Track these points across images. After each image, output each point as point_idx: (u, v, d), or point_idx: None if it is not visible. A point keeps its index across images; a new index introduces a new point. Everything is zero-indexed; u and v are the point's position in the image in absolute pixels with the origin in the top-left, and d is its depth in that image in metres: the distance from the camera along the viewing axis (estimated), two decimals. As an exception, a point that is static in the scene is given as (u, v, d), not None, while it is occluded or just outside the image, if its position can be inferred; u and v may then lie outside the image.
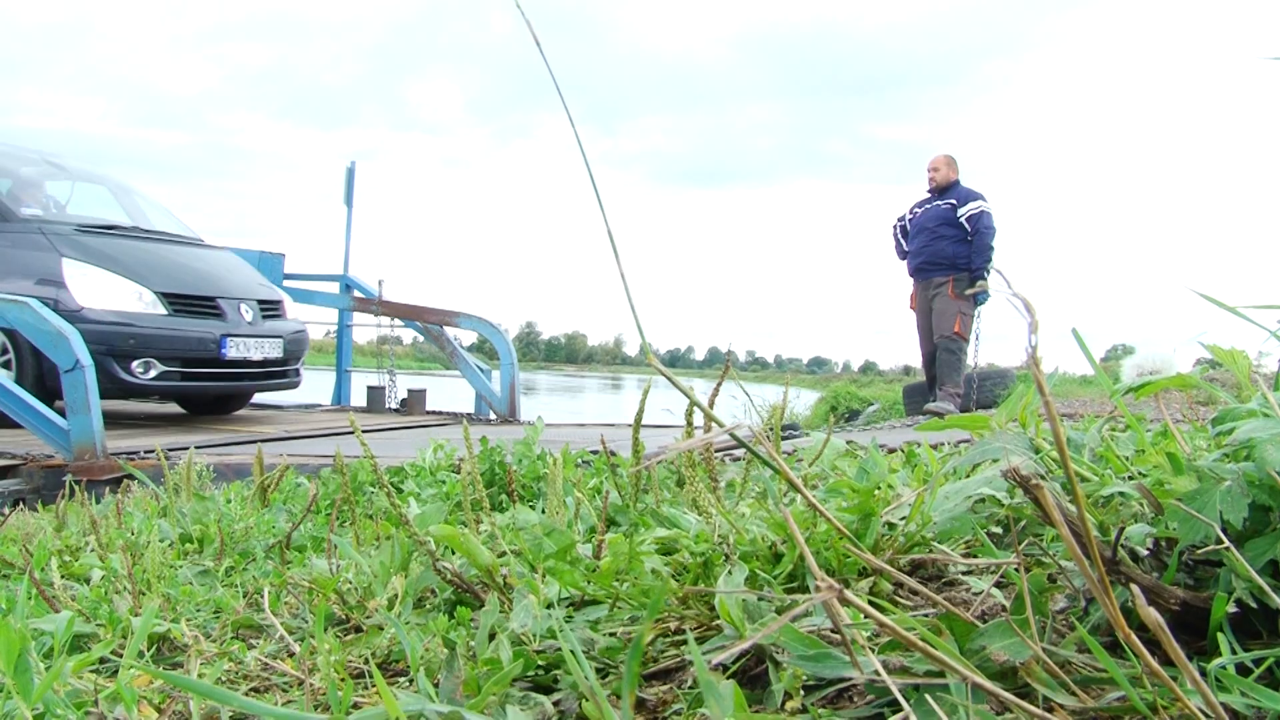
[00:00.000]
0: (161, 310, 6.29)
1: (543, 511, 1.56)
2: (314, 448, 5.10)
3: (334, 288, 9.47)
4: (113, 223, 7.05)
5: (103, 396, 5.84)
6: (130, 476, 4.49)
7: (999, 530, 1.07)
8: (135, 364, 6.08)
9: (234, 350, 6.62)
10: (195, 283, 6.65)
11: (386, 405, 9.24)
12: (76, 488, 2.84)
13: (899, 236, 7.61)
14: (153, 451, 4.80)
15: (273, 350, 7.00)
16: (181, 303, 6.41)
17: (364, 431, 6.50)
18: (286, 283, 9.21)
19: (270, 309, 7.27)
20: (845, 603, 0.58)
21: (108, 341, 5.93)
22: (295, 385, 7.66)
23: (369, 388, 9.51)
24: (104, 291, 6.12)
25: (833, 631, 0.80)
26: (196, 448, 5.02)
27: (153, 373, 6.16)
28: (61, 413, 5.19)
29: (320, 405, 9.64)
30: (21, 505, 4.46)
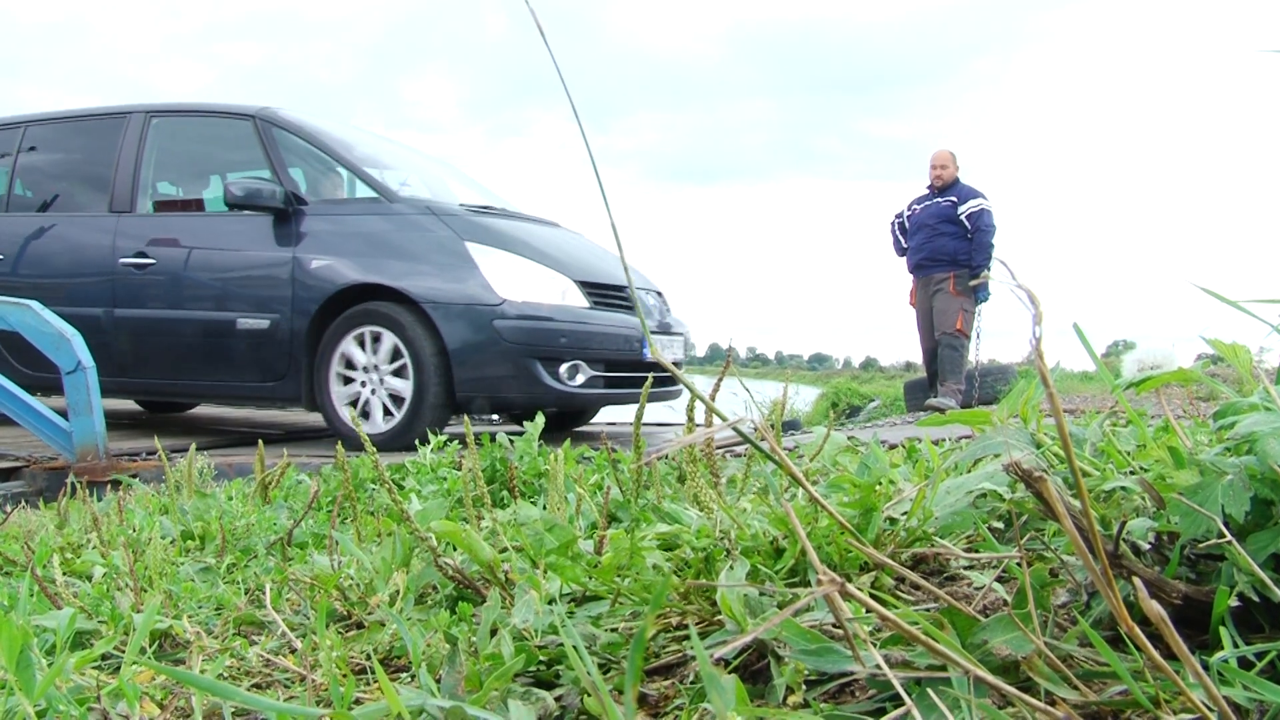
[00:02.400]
0: (583, 303, 5.13)
1: (544, 507, 1.56)
2: (316, 448, 5.10)
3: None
4: (486, 203, 5.81)
5: (522, 407, 5.09)
6: (133, 477, 4.50)
7: (1000, 525, 1.07)
8: (563, 367, 4.92)
9: (651, 350, 5.56)
10: (601, 270, 5.49)
11: None
12: (79, 487, 2.84)
13: (898, 233, 7.60)
14: (155, 453, 4.81)
15: (677, 351, 5.80)
16: (599, 294, 5.26)
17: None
18: None
19: (665, 301, 6.08)
20: (847, 597, 0.58)
21: (533, 340, 4.83)
22: (678, 395, 6.28)
23: None
24: (524, 282, 4.95)
25: (834, 626, 0.80)
26: (198, 449, 5.04)
27: (580, 378, 4.98)
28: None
29: None
30: (24, 504, 4.47)
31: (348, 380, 5.01)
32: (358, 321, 4.97)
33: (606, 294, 5.30)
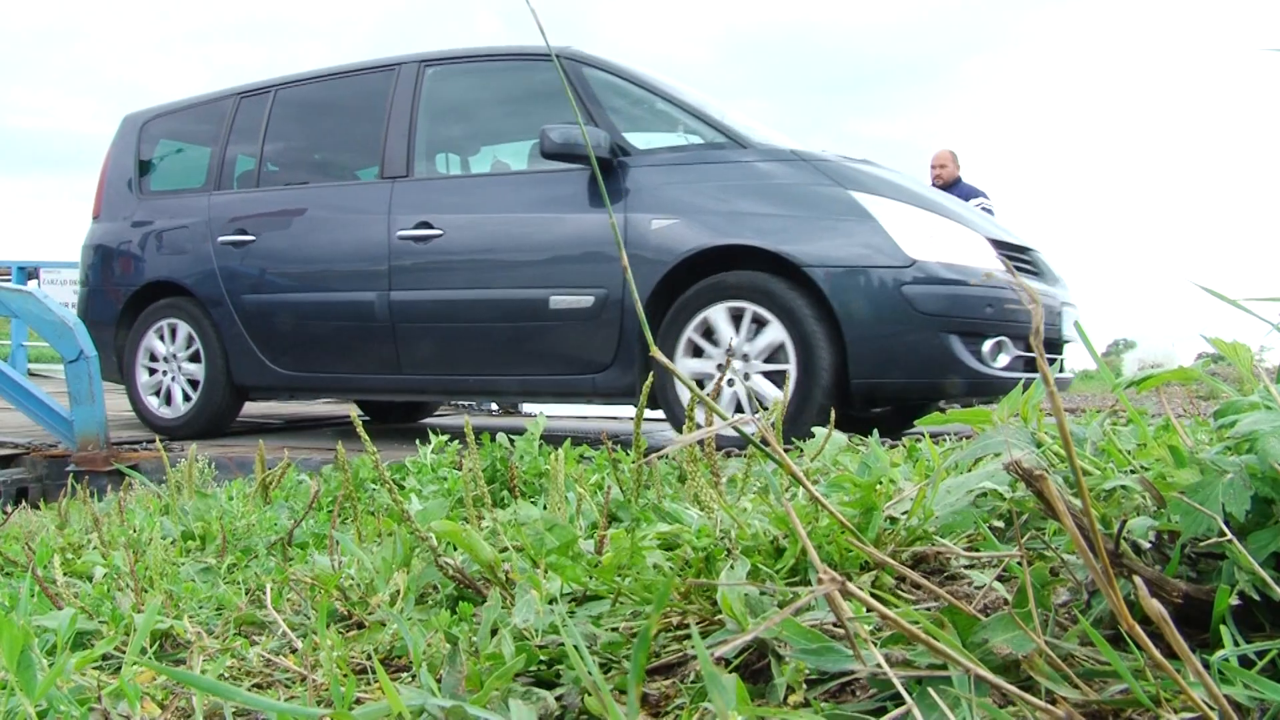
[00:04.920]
0: (997, 265, 3.97)
1: (544, 507, 1.56)
2: (316, 440, 5.10)
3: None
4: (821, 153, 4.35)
5: (928, 396, 4.01)
6: (134, 467, 4.50)
7: (1001, 524, 1.07)
8: (987, 345, 3.77)
9: (1065, 326, 4.20)
10: (989, 226, 4.27)
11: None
12: (79, 486, 2.84)
13: None
14: (154, 442, 4.81)
15: (1069, 326, 4.34)
16: (1004, 254, 4.08)
17: (369, 422, 6.41)
18: None
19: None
20: (848, 596, 0.58)
21: (953, 311, 3.71)
22: (1068, 385, 5.15)
23: None
24: (933, 239, 3.80)
25: (835, 625, 0.80)
26: (198, 440, 5.05)
27: (1004, 358, 3.82)
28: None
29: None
30: (24, 501, 4.48)
31: (697, 370, 3.95)
32: (714, 295, 3.89)
33: (1010, 254, 4.14)
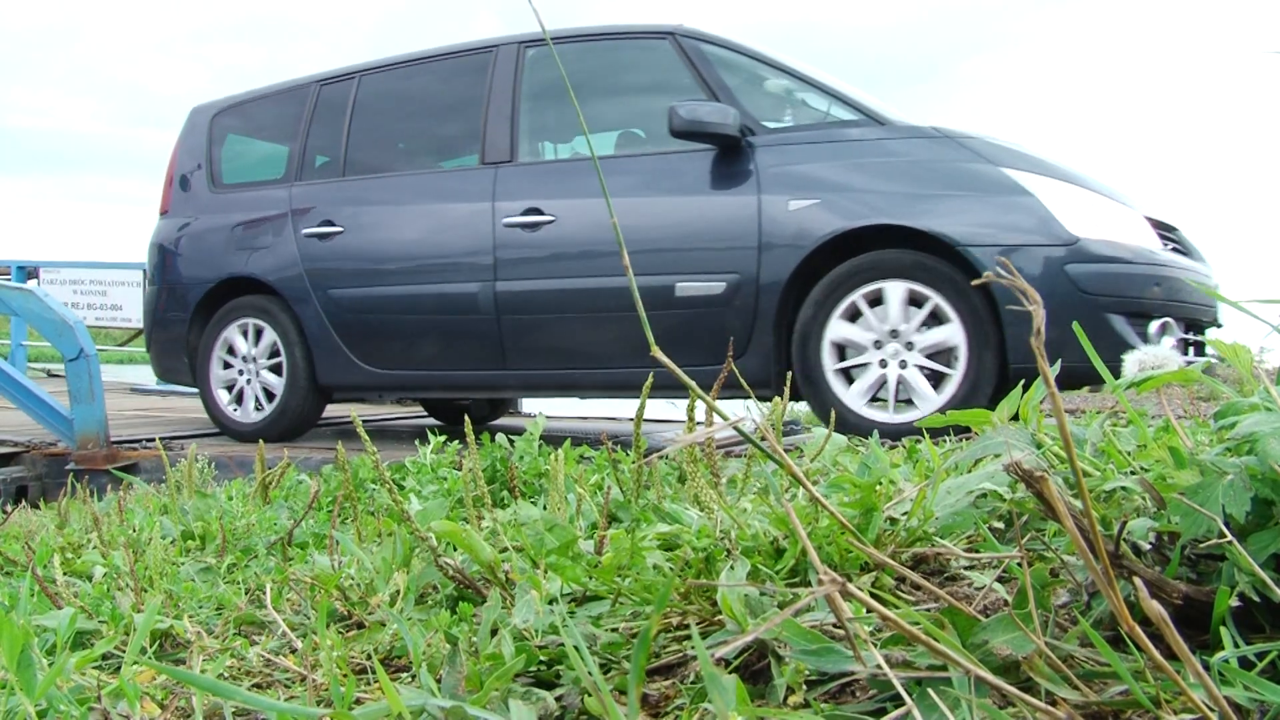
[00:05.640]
0: (1156, 244, 3.76)
1: (544, 507, 1.56)
2: (314, 439, 5.10)
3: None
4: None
5: (1088, 380, 3.79)
6: (134, 466, 4.50)
7: (1001, 525, 1.07)
8: (1153, 326, 3.61)
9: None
10: (1142, 203, 4.06)
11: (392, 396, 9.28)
12: (79, 485, 2.84)
13: None
14: (154, 440, 4.81)
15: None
16: (1164, 233, 3.88)
17: (365, 421, 6.38)
18: None
19: None
20: (848, 597, 0.58)
21: (1119, 290, 3.54)
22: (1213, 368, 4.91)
23: None
24: (1094, 216, 3.63)
25: (835, 626, 0.80)
26: (198, 436, 5.05)
27: (1169, 340, 3.66)
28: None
29: None
30: (23, 500, 4.48)
31: (843, 357, 3.76)
32: (858, 278, 3.69)
33: (1166, 234, 3.92)
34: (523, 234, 4.27)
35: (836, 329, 3.73)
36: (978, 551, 1.02)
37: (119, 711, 0.89)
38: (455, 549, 1.22)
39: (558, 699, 0.82)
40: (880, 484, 1.20)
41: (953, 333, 3.57)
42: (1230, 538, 0.71)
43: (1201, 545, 0.74)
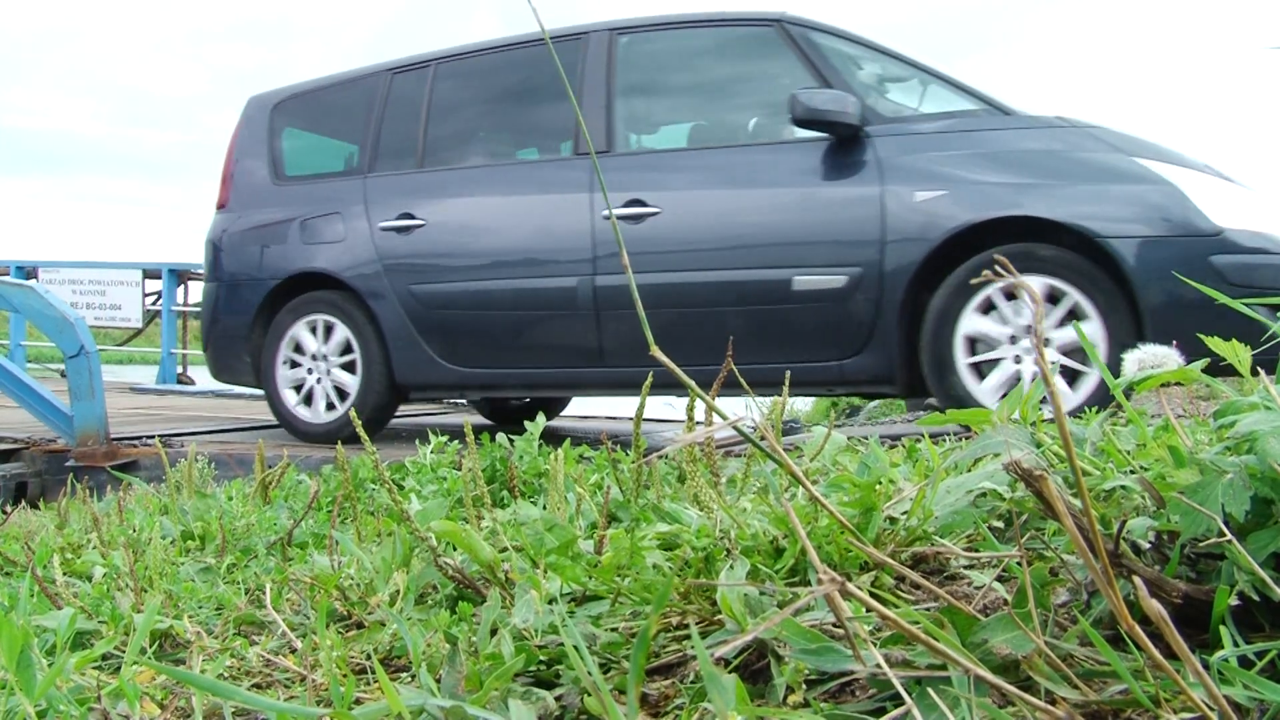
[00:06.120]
0: None
1: (544, 507, 1.56)
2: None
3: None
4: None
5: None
6: (133, 463, 4.50)
7: (1000, 524, 1.07)
8: None
9: None
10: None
11: None
12: (79, 485, 2.84)
13: None
14: (154, 438, 4.81)
15: None
16: None
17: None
18: None
19: None
20: (847, 596, 0.58)
21: (1264, 281, 3.47)
22: None
23: None
24: (1235, 206, 3.53)
25: (835, 625, 0.80)
26: (197, 434, 5.05)
27: None
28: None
29: None
30: (23, 497, 4.47)
31: (974, 351, 3.61)
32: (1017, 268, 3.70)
33: None
34: (625, 226, 4.10)
35: (970, 322, 3.61)
36: (977, 551, 1.02)
37: (119, 712, 0.89)
38: (455, 549, 1.22)
39: (557, 699, 0.82)
40: (880, 483, 1.20)
41: (1091, 330, 3.43)
42: (1230, 537, 0.71)
43: (1201, 544, 0.74)
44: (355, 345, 4.62)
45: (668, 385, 4.20)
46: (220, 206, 5.20)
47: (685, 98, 4.66)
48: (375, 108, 4.88)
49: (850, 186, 3.83)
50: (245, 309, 4.90)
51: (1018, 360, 3.55)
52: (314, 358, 4.75)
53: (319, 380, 4.74)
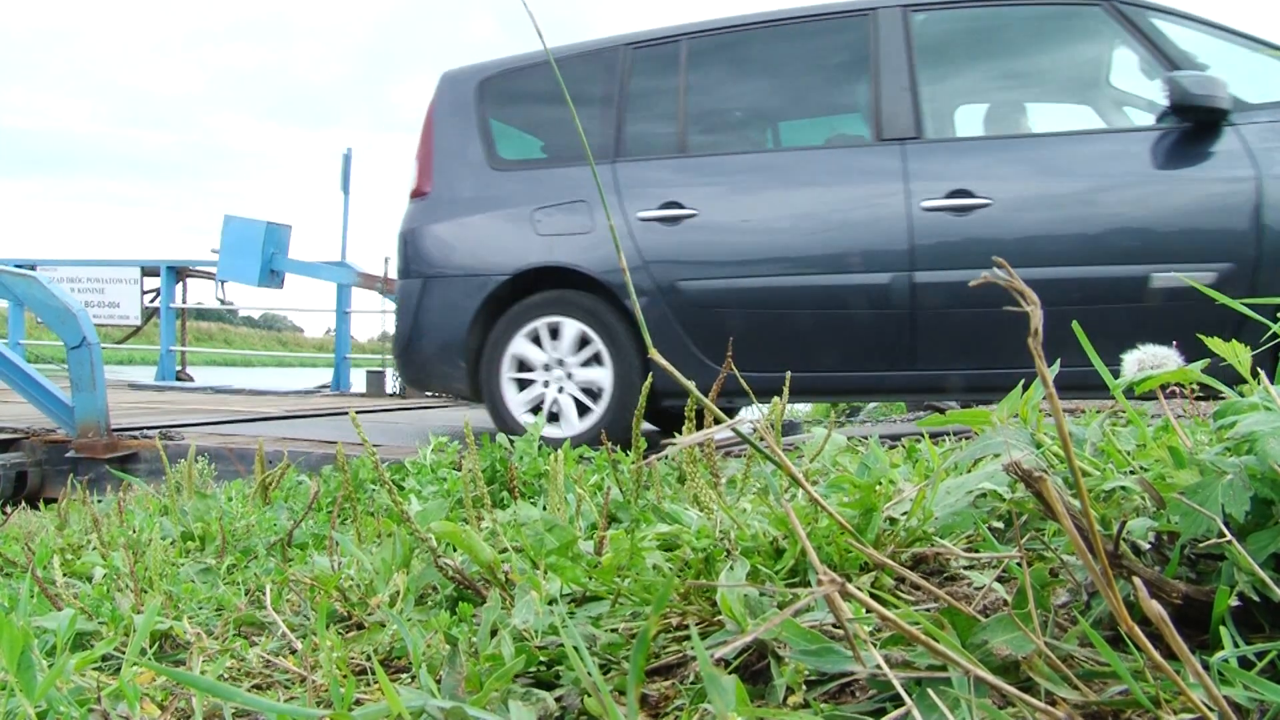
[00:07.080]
0: None
1: (544, 508, 1.56)
2: (314, 430, 5.07)
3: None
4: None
5: None
6: (133, 455, 4.50)
7: (1000, 525, 1.07)
8: None
9: None
10: None
11: (387, 390, 9.34)
12: (79, 484, 2.84)
13: None
14: (155, 429, 4.81)
15: None
16: None
17: (364, 414, 6.36)
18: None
19: None
20: (847, 597, 0.58)
21: None
22: None
23: (368, 372, 9.65)
24: None
25: (835, 626, 0.80)
26: (197, 425, 5.04)
27: None
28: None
29: (323, 389, 9.74)
30: (23, 486, 4.47)
31: None
32: None
33: None
34: (948, 219, 3.76)
35: None
36: (977, 551, 1.02)
37: (119, 712, 0.89)
38: (455, 550, 1.22)
39: (557, 699, 0.82)
40: (880, 484, 1.20)
41: None
42: (1230, 537, 0.71)
43: (1201, 545, 0.74)
44: (605, 350, 4.14)
45: (978, 389, 4.00)
46: (419, 195, 4.59)
47: (989, 80, 4.29)
48: (617, 86, 4.37)
49: (1214, 175, 3.55)
50: (461, 310, 4.31)
51: None
52: (546, 367, 4.24)
53: (560, 389, 4.24)
